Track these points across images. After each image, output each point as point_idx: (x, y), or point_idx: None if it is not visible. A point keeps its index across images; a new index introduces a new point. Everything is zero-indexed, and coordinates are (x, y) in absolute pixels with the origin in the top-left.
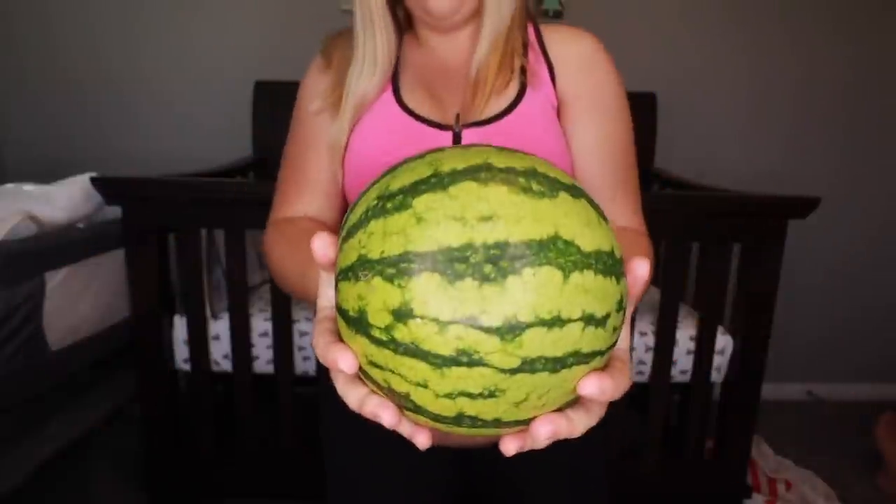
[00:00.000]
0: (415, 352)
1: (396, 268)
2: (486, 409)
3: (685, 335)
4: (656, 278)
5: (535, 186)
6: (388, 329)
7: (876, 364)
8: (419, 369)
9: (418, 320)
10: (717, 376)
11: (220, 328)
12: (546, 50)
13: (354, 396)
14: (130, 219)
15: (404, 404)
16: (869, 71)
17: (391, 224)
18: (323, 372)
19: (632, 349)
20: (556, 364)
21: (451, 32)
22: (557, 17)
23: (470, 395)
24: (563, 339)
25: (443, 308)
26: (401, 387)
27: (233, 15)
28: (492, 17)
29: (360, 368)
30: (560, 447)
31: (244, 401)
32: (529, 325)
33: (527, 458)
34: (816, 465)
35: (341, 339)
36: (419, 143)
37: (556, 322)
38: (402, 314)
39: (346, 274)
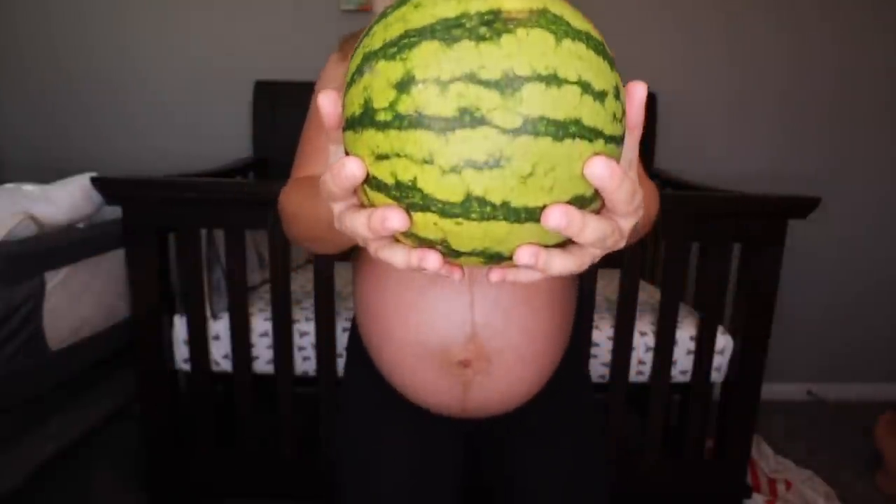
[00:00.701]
0: (419, 121)
1: (397, 46)
2: (493, 186)
3: (685, 335)
4: (656, 278)
5: None
6: (392, 105)
7: (876, 364)
8: (424, 140)
9: (420, 85)
10: (717, 376)
11: (220, 328)
12: None
13: (400, 254)
14: (130, 219)
15: (411, 200)
16: (869, 71)
17: (391, 19)
18: (324, 372)
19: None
20: (557, 129)
21: None
22: None
23: (475, 166)
24: (562, 101)
25: (442, 69)
26: (407, 174)
27: (233, 15)
28: None
29: (367, 178)
30: (561, 445)
31: (244, 401)
32: (528, 80)
33: (531, 454)
34: (816, 465)
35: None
36: None
37: (553, 80)
38: (404, 84)
39: (351, 79)
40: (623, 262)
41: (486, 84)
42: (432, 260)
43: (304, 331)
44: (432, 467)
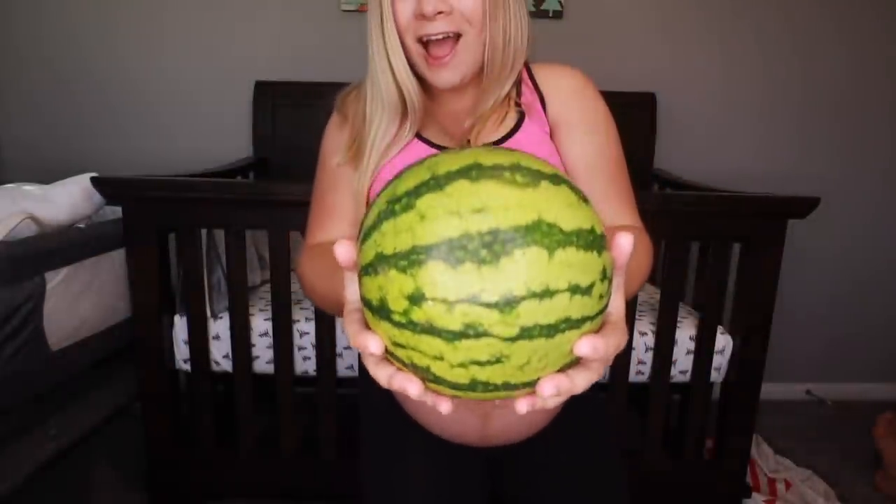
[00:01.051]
0: (430, 329)
1: (407, 260)
2: (494, 374)
3: (685, 335)
4: (656, 278)
5: (519, 178)
6: (405, 312)
7: (876, 364)
8: (434, 344)
9: (430, 302)
10: (716, 376)
11: (220, 328)
12: (537, 84)
13: (384, 374)
14: (130, 219)
15: (426, 377)
16: (869, 71)
17: (400, 223)
18: (324, 372)
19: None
20: (550, 330)
21: (457, 92)
22: (557, 17)
23: (479, 363)
24: (553, 308)
25: (449, 290)
26: (422, 362)
27: (233, 15)
28: (492, 91)
29: (387, 350)
30: (580, 455)
31: (244, 401)
32: (523, 298)
33: (549, 463)
34: (816, 465)
35: (368, 328)
36: None
37: (546, 294)
38: (416, 298)
39: (366, 270)
40: None
41: (488, 305)
42: (445, 406)
43: (304, 331)
44: (458, 486)
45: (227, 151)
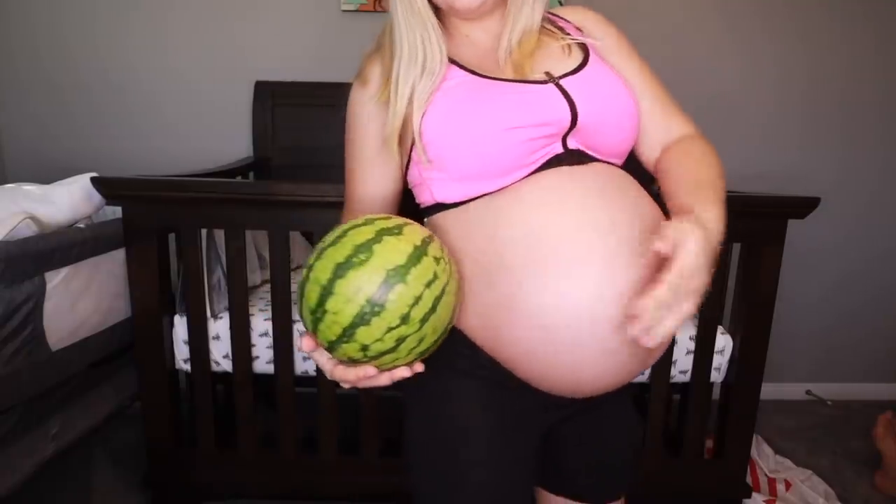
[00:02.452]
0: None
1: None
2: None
3: (685, 335)
4: None
5: (362, 258)
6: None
7: (875, 364)
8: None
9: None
10: (716, 376)
11: (220, 328)
12: (569, 22)
13: (352, 374)
14: (130, 219)
15: (373, 359)
16: (869, 71)
17: (329, 310)
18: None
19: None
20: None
21: (480, 20)
22: None
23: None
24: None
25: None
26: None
27: (233, 15)
28: (518, 16)
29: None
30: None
31: (244, 401)
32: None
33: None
34: (816, 465)
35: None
36: (529, 100)
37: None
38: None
39: (330, 345)
40: None
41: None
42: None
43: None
44: (517, 436)
45: (227, 151)
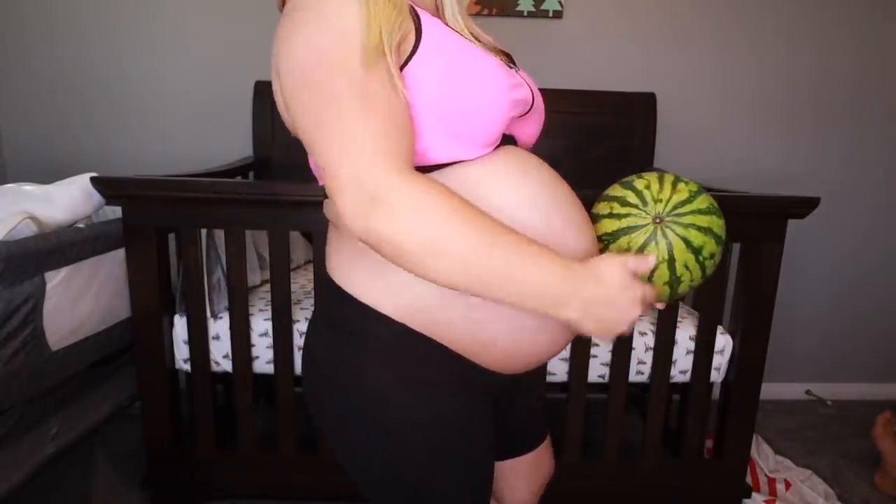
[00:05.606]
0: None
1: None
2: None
3: (685, 335)
4: None
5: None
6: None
7: (875, 364)
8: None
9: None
10: (716, 376)
11: (220, 328)
12: None
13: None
14: (130, 219)
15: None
16: (870, 71)
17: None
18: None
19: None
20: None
21: None
22: (557, 17)
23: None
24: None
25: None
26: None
27: (233, 15)
28: None
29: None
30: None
31: (244, 401)
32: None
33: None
34: (816, 465)
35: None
36: (511, 75)
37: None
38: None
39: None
40: None
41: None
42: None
43: (304, 331)
44: (486, 423)
45: (227, 151)
